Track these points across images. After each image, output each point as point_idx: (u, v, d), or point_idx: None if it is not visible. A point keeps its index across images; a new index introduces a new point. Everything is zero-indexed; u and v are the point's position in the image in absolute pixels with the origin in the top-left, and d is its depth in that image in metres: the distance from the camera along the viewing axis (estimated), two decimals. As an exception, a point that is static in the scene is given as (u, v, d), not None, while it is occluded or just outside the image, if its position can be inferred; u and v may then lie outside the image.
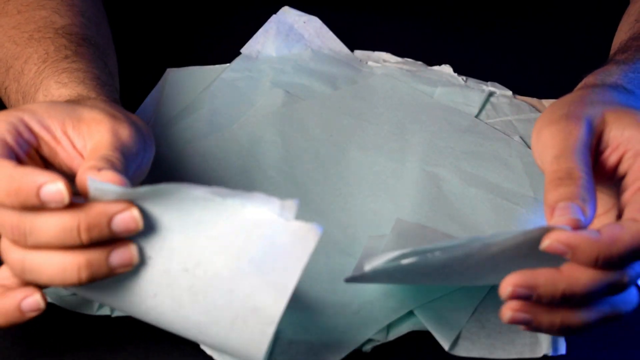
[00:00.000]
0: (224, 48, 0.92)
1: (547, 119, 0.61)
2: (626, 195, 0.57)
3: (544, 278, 0.53)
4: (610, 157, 0.59)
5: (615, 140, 0.59)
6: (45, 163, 0.59)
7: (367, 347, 0.63)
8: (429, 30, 0.97)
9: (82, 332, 0.63)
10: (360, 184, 0.75)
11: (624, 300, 0.56)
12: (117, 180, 0.53)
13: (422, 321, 0.64)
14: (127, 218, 0.53)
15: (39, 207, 0.52)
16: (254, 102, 0.83)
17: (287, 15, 0.94)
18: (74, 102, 0.62)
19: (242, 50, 0.91)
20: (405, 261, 0.55)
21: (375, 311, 0.64)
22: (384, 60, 0.91)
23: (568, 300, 0.53)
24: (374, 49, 0.92)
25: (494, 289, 0.67)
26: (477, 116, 0.84)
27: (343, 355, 0.62)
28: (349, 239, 0.70)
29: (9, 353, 0.62)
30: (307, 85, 0.86)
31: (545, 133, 0.60)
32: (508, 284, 0.53)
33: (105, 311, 0.64)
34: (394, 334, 0.64)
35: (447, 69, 0.90)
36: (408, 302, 0.65)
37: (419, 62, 0.91)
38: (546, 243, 0.53)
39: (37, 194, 0.52)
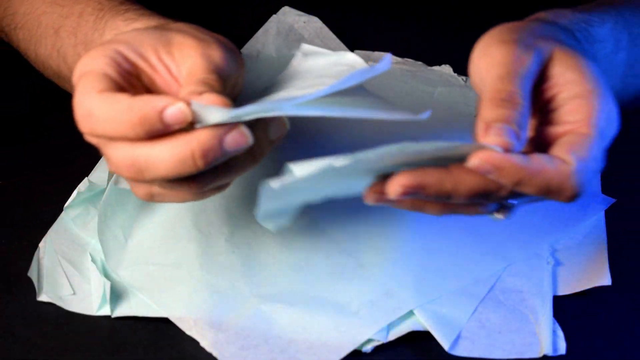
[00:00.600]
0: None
1: (497, 38, 0.60)
2: (554, 131, 0.57)
3: (433, 179, 0.54)
4: (547, 91, 0.59)
5: (555, 77, 0.59)
6: (146, 91, 0.59)
7: (367, 347, 0.63)
8: (429, 30, 0.97)
9: (82, 332, 0.63)
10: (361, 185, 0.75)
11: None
12: (220, 101, 0.54)
13: (422, 321, 0.64)
14: (237, 135, 0.54)
15: (163, 132, 0.53)
16: (253, 102, 0.83)
17: (287, 15, 0.94)
18: (160, 27, 0.61)
19: (242, 50, 0.92)
20: (338, 163, 0.53)
21: (375, 311, 0.65)
22: (384, 60, 0.91)
23: (452, 198, 0.55)
24: (374, 49, 0.92)
25: (494, 288, 0.67)
26: (476, 116, 0.84)
27: (343, 355, 0.62)
28: (349, 238, 0.70)
29: (9, 353, 0.62)
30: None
31: (494, 51, 0.59)
32: (398, 184, 0.54)
33: (105, 311, 0.64)
34: (394, 334, 0.64)
35: (447, 69, 0.90)
36: (408, 302, 0.65)
37: (419, 62, 0.91)
38: (475, 162, 0.53)
39: (161, 118, 0.53)
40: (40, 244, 0.68)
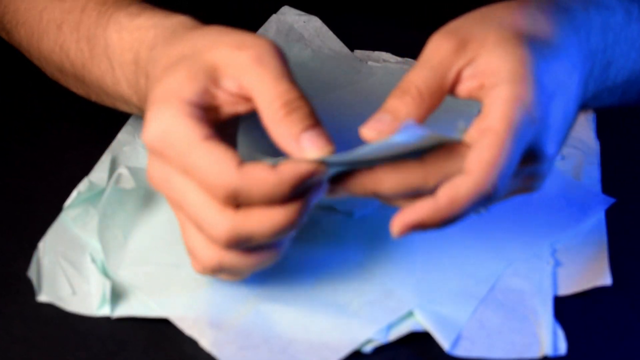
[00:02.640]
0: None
1: (447, 25, 0.61)
2: (471, 132, 0.57)
3: (427, 215, 0.56)
4: (473, 82, 0.59)
5: (480, 66, 0.58)
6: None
7: (367, 347, 0.63)
8: (429, 30, 0.97)
9: (82, 332, 0.63)
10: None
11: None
12: (322, 143, 0.57)
13: (422, 321, 0.64)
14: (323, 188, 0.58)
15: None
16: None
17: (287, 14, 0.94)
18: (191, 56, 0.60)
19: (242, 50, 0.91)
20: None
21: (375, 311, 0.64)
22: (384, 60, 0.91)
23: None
24: (374, 49, 0.92)
25: (494, 288, 0.67)
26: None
27: (343, 355, 0.62)
28: (349, 238, 0.70)
29: (9, 353, 0.62)
30: (307, 85, 0.86)
31: (429, 39, 0.60)
32: (400, 227, 0.57)
33: (105, 311, 0.64)
34: (394, 334, 0.64)
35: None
36: (408, 302, 0.65)
37: (419, 62, 0.91)
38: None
39: (305, 184, 0.56)
40: (40, 244, 0.68)
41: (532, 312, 0.65)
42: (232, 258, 0.59)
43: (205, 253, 0.59)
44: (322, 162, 0.56)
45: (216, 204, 0.56)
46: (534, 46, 0.58)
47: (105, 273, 0.66)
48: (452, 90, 0.60)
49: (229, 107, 0.59)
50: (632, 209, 0.76)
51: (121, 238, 0.69)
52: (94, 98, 0.75)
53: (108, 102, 0.73)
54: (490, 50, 0.58)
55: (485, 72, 0.58)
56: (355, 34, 0.95)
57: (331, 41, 0.93)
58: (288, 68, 0.60)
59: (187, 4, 0.98)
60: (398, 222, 0.57)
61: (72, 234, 0.70)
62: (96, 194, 0.72)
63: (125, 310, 0.64)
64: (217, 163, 0.56)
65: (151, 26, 0.65)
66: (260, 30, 0.92)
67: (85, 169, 0.74)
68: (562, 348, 0.63)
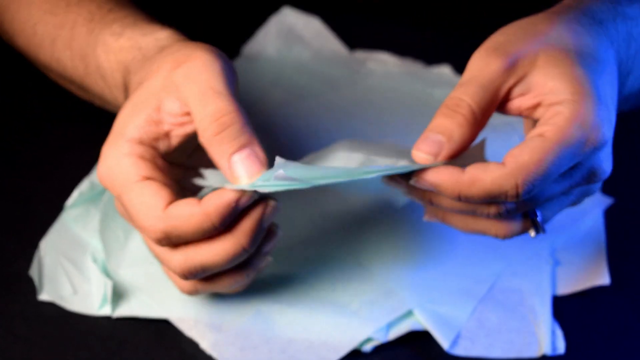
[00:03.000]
0: (224, 48, 0.92)
1: (486, 42, 0.60)
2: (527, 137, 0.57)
3: (445, 181, 0.56)
4: (528, 101, 0.58)
5: (536, 87, 0.58)
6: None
7: (367, 347, 0.63)
8: (429, 30, 0.97)
9: (82, 331, 0.63)
10: (361, 183, 0.75)
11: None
12: (252, 166, 0.56)
13: (422, 321, 0.64)
14: (273, 210, 0.58)
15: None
16: (253, 103, 0.83)
17: (287, 15, 0.94)
18: (141, 84, 0.61)
19: (242, 50, 0.92)
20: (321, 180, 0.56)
21: (375, 311, 0.65)
22: (384, 61, 0.91)
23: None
24: (374, 49, 0.92)
25: (493, 288, 0.67)
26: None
27: (342, 354, 0.62)
28: (349, 238, 0.70)
29: (9, 352, 0.62)
30: (307, 86, 0.86)
31: (472, 57, 0.59)
32: (419, 177, 0.57)
33: (105, 311, 0.64)
34: (394, 334, 0.64)
35: (447, 69, 0.90)
36: (408, 302, 0.65)
37: (419, 62, 0.91)
38: (413, 180, 0.57)
39: (235, 210, 0.56)
40: (41, 243, 0.68)
41: (531, 311, 0.65)
42: (204, 285, 0.60)
43: (179, 281, 0.61)
44: (247, 190, 0.56)
45: (160, 245, 0.58)
46: (585, 63, 0.58)
47: (106, 273, 0.66)
48: (500, 107, 0.59)
49: (178, 129, 0.60)
50: (630, 208, 0.76)
51: (122, 238, 0.69)
52: (97, 104, 0.75)
53: (113, 110, 0.73)
54: (544, 69, 0.58)
55: (542, 92, 0.57)
56: (355, 34, 0.95)
57: (331, 42, 0.93)
58: (223, 78, 0.59)
59: (187, 6, 0.99)
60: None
61: (74, 234, 0.70)
62: (97, 194, 0.72)
63: (126, 310, 0.64)
64: (144, 205, 0.57)
65: (131, 47, 0.66)
66: (260, 31, 0.92)
67: (85, 169, 0.74)
68: (561, 347, 0.63)
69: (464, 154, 0.58)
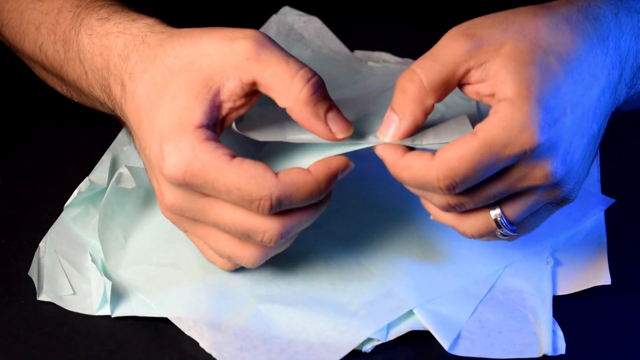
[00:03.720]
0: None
1: (464, 23, 0.61)
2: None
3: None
4: (486, 88, 0.59)
5: (493, 77, 0.58)
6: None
7: (367, 347, 0.63)
8: (429, 30, 0.97)
9: (82, 332, 0.63)
10: (361, 182, 0.75)
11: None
12: (345, 125, 0.60)
13: (422, 321, 0.64)
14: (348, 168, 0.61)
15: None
16: (254, 102, 0.83)
17: (287, 15, 0.94)
18: (180, 71, 0.60)
19: (242, 50, 0.91)
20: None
21: (375, 311, 0.65)
22: (384, 60, 0.91)
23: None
24: (374, 49, 0.92)
25: (494, 288, 0.67)
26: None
27: (342, 354, 0.62)
28: (349, 238, 0.70)
29: (9, 353, 0.62)
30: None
31: (444, 35, 0.60)
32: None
33: (105, 311, 0.64)
34: (394, 334, 0.64)
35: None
36: (408, 302, 0.65)
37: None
38: (377, 150, 0.60)
39: (336, 178, 0.60)
40: (41, 244, 0.68)
41: (531, 311, 0.65)
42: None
43: (243, 252, 0.62)
44: (346, 156, 0.60)
45: (264, 214, 0.59)
46: (547, 62, 0.58)
47: (106, 273, 0.66)
48: (460, 88, 0.60)
49: (236, 110, 0.60)
50: (631, 209, 0.76)
51: (121, 238, 0.69)
52: (76, 98, 0.75)
53: (88, 103, 0.73)
54: (504, 60, 0.58)
55: (496, 83, 0.58)
56: (355, 34, 0.95)
57: (331, 41, 0.93)
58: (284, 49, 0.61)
59: (188, 6, 0.98)
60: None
61: (73, 234, 0.70)
62: (97, 194, 0.72)
63: (125, 310, 0.64)
64: (254, 178, 0.57)
65: (119, 32, 0.65)
66: (260, 30, 0.92)
67: (85, 169, 0.74)
68: (562, 347, 0.63)
69: (448, 123, 0.61)
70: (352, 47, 0.93)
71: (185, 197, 0.59)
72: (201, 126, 0.58)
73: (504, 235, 0.62)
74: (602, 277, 0.68)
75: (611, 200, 0.75)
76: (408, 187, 0.61)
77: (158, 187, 0.61)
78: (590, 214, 0.73)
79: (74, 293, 0.66)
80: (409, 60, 0.91)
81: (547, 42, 0.59)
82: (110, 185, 0.70)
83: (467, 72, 0.59)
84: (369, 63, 0.91)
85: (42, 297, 0.65)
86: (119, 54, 0.64)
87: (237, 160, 0.58)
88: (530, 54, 0.58)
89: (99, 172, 0.74)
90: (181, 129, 0.58)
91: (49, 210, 0.72)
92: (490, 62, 0.58)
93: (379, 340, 0.63)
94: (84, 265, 0.67)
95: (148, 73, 0.61)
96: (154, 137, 0.59)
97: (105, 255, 0.67)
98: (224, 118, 0.60)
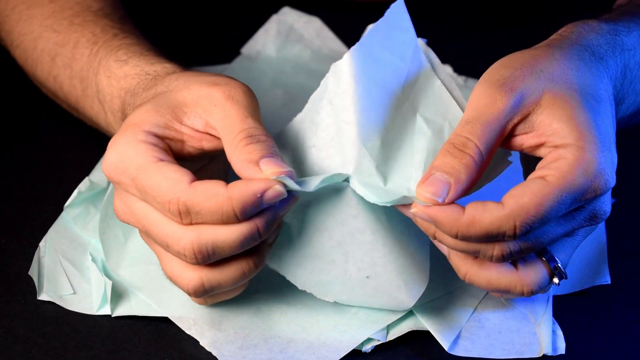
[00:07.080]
0: (224, 48, 0.92)
1: (489, 74, 0.60)
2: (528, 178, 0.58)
3: (445, 218, 0.57)
4: (531, 139, 0.59)
5: (540, 127, 0.58)
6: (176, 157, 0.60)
7: (367, 347, 0.63)
8: (429, 30, 0.97)
9: (82, 331, 0.63)
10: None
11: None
12: (283, 169, 0.57)
13: (422, 321, 0.64)
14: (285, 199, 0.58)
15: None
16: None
17: (288, 15, 0.94)
18: (162, 93, 0.62)
19: (242, 50, 0.92)
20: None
21: (375, 311, 0.65)
22: (384, 60, 0.91)
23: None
24: (374, 49, 0.92)
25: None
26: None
27: (342, 354, 0.62)
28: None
29: (9, 352, 0.62)
30: (307, 85, 0.86)
31: (475, 90, 0.59)
32: (418, 209, 0.58)
33: (105, 311, 0.64)
34: (394, 334, 0.64)
35: (447, 69, 0.90)
36: (408, 302, 0.65)
37: (419, 62, 0.91)
38: (414, 210, 0.58)
39: (259, 202, 0.56)
40: (41, 244, 0.68)
41: (531, 311, 0.65)
42: (211, 274, 0.59)
43: (185, 276, 0.59)
44: (277, 180, 0.57)
45: (176, 221, 0.57)
46: (589, 105, 0.59)
47: (106, 272, 0.66)
48: (502, 142, 0.60)
49: (194, 142, 0.60)
50: (631, 209, 0.76)
51: (122, 238, 0.69)
52: (88, 124, 0.76)
53: (102, 132, 0.74)
54: (549, 109, 0.58)
55: (546, 132, 0.58)
56: (355, 34, 0.95)
57: (331, 41, 0.93)
58: (257, 109, 0.61)
59: (188, 6, 0.99)
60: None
61: (73, 234, 0.70)
62: (97, 194, 0.72)
63: (125, 309, 0.64)
64: (167, 179, 0.57)
65: (136, 74, 0.66)
66: (261, 30, 0.92)
67: (85, 169, 0.74)
68: (562, 347, 0.63)
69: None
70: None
71: (126, 200, 0.59)
72: (148, 132, 0.59)
73: (557, 280, 0.61)
74: (602, 277, 0.68)
75: (611, 200, 0.75)
76: (446, 246, 0.60)
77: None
78: (590, 214, 0.73)
79: (74, 293, 0.66)
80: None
81: (578, 85, 0.60)
82: (110, 185, 0.70)
83: (514, 127, 0.59)
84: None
85: (43, 296, 0.65)
86: (131, 93, 0.66)
87: (163, 163, 0.57)
88: (570, 100, 0.58)
89: (99, 172, 0.74)
90: (126, 129, 0.59)
91: (49, 210, 0.72)
92: (533, 113, 0.58)
93: (379, 340, 0.63)
94: (84, 264, 0.67)
95: (140, 100, 0.63)
96: None
97: (105, 254, 0.67)
98: (183, 142, 0.60)
